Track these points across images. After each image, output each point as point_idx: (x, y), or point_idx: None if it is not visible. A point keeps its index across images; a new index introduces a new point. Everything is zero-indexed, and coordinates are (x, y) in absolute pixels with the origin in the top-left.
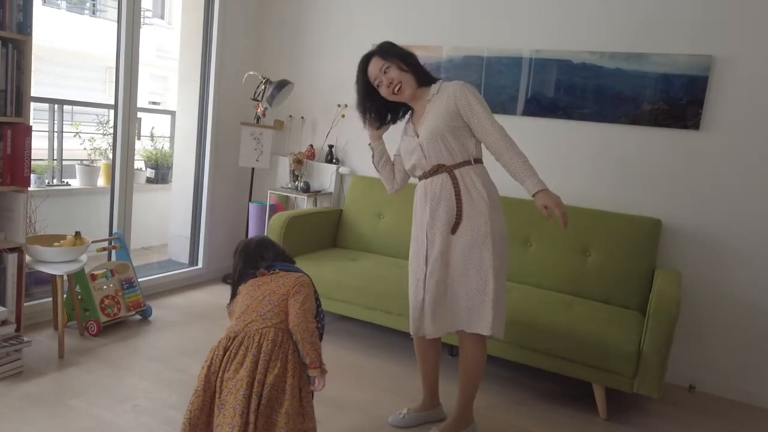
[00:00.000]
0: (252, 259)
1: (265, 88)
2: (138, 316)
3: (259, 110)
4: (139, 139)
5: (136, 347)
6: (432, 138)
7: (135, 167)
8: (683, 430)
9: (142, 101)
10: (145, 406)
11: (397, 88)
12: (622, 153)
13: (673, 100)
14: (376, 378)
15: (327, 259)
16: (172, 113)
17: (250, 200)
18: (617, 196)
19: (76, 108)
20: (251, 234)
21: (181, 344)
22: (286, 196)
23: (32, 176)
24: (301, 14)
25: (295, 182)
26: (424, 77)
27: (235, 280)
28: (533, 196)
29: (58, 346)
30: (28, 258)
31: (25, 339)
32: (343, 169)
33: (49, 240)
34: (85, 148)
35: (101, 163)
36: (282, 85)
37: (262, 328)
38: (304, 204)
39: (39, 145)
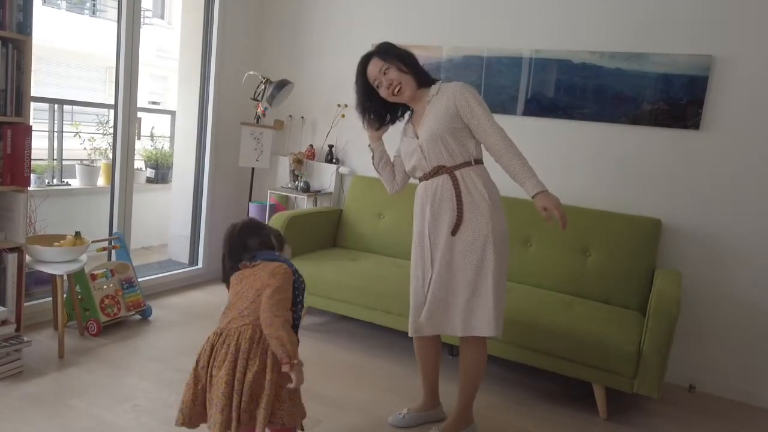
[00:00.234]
0: (235, 251)
1: (265, 88)
2: (138, 316)
3: (259, 110)
4: (139, 139)
5: (136, 347)
6: (432, 139)
7: (135, 167)
8: (683, 430)
9: (142, 101)
10: (145, 406)
11: (396, 89)
12: (622, 153)
13: (673, 100)
14: (376, 378)
15: (327, 259)
16: (172, 113)
17: (250, 200)
18: (617, 196)
19: (76, 108)
20: None
21: (181, 344)
22: (286, 196)
23: (32, 176)
24: (301, 14)
25: (295, 182)
26: (423, 78)
27: (223, 273)
28: (533, 197)
29: (58, 346)
30: (28, 258)
31: (25, 339)
32: (343, 169)
33: (49, 240)
34: (85, 148)
35: (101, 163)
36: (282, 85)
37: (241, 326)
38: (304, 204)
39: (39, 145)
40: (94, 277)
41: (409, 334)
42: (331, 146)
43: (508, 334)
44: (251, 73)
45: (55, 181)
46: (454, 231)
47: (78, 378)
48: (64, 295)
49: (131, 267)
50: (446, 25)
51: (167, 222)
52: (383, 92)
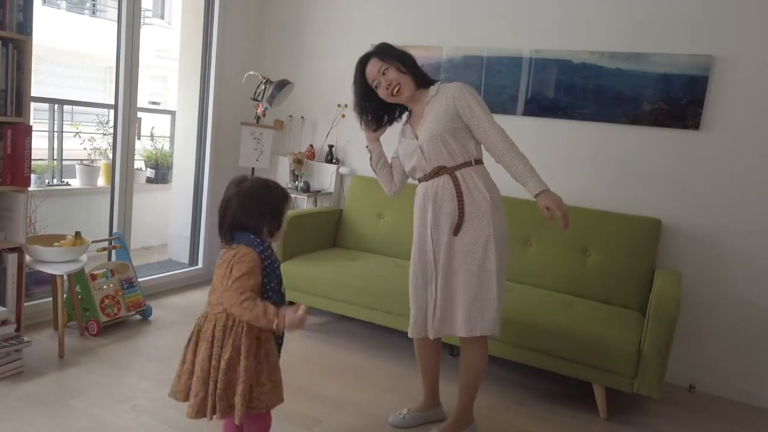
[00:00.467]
0: (220, 228)
1: (265, 88)
2: (138, 316)
3: (259, 110)
4: (139, 139)
5: (136, 347)
6: (432, 140)
7: (135, 167)
8: (683, 430)
9: (142, 101)
10: (145, 406)
11: (396, 89)
12: (622, 153)
13: (673, 100)
14: (376, 378)
15: (327, 259)
16: (172, 113)
17: None
18: (617, 196)
19: (76, 108)
20: None
21: (181, 344)
22: None
23: (32, 176)
24: (301, 14)
25: (295, 182)
26: (422, 79)
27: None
28: (535, 197)
29: (58, 346)
30: (28, 258)
31: (25, 339)
32: (343, 169)
33: (49, 240)
34: (85, 148)
35: (101, 163)
36: (282, 85)
37: (217, 312)
38: (304, 204)
39: (39, 145)
40: (94, 277)
41: (410, 335)
42: (331, 146)
43: (508, 334)
44: (251, 73)
45: (55, 181)
46: (456, 231)
47: (78, 378)
48: (64, 295)
49: (131, 267)
50: (446, 25)
51: (167, 222)
52: (382, 93)
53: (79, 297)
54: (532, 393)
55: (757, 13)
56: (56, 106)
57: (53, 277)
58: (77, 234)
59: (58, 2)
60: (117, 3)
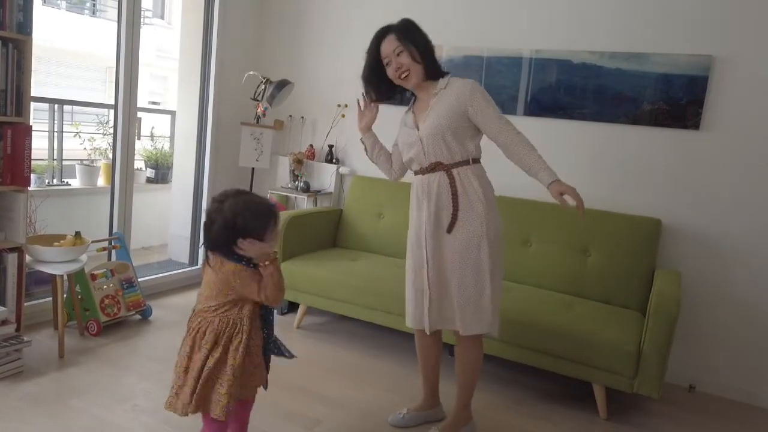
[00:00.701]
0: (215, 243)
1: (265, 87)
2: (138, 316)
3: (259, 110)
4: (139, 139)
5: (136, 347)
6: (433, 135)
7: (135, 167)
8: (683, 430)
9: (142, 101)
10: (145, 406)
11: (404, 75)
12: (622, 153)
13: (673, 100)
14: (376, 378)
15: (327, 259)
16: (172, 113)
17: None
18: (617, 196)
19: (76, 108)
20: None
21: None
22: (286, 196)
23: (32, 176)
24: (301, 14)
25: (295, 182)
26: (433, 70)
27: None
28: (549, 186)
29: (58, 345)
30: (28, 258)
31: (25, 339)
32: (343, 169)
33: (49, 240)
34: (85, 148)
35: (101, 163)
36: (282, 85)
37: (206, 315)
38: (304, 204)
39: (39, 144)
40: (94, 277)
41: (407, 324)
42: (331, 146)
43: (508, 333)
44: (251, 73)
45: (55, 181)
46: (449, 229)
47: (78, 378)
48: (64, 295)
49: (131, 267)
50: (446, 25)
51: (167, 222)
52: (390, 72)
53: (79, 297)
54: (532, 393)
55: (757, 13)
56: (56, 106)
57: (53, 277)
58: (77, 234)
59: (58, 2)
60: (117, 3)
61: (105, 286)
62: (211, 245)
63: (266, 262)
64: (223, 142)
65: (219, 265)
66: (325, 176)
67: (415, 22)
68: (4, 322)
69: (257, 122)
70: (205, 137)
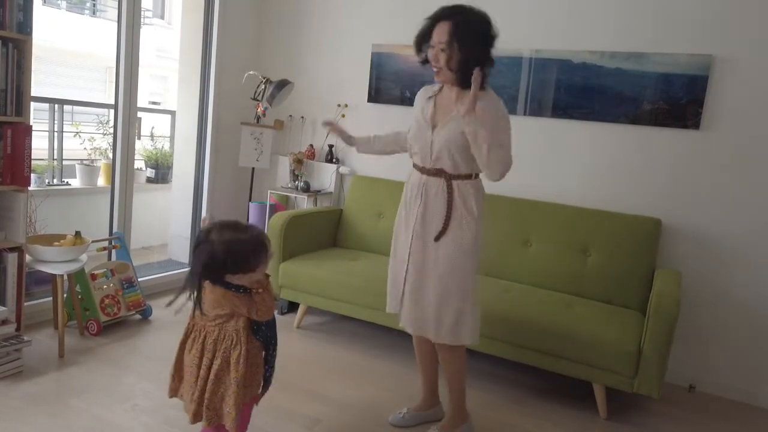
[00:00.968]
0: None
1: (265, 87)
2: (138, 316)
3: (259, 110)
4: (139, 139)
5: (136, 347)
6: (444, 145)
7: (135, 167)
8: (683, 430)
9: (142, 101)
10: (144, 406)
11: (436, 69)
12: (622, 153)
13: (673, 99)
14: (376, 378)
15: (327, 259)
16: (172, 113)
17: (250, 200)
18: (617, 196)
19: (76, 108)
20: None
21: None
22: (286, 195)
23: (32, 176)
24: (300, 14)
25: (295, 182)
26: (464, 81)
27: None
28: (464, 120)
29: (58, 345)
30: (28, 257)
31: (25, 338)
32: (343, 169)
33: (49, 240)
34: (85, 148)
35: (101, 163)
36: (282, 84)
37: (207, 324)
38: (304, 204)
39: (39, 144)
40: (94, 276)
41: (387, 310)
42: (331, 146)
43: (508, 333)
44: (251, 73)
45: (55, 181)
46: (437, 238)
47: (78, 377)
48: (64, 295)
49: (131, 267)
50: None
51: (167, 222)
52: (429, 53)
53: (79, 297)
54: (532, 392)
55: (757, 13)
56: (56, 106)
57: (53, 276)
58: (77, 234)
59: (58, 2)
60: (117, 3)
61: (105, 286)
62: (202, 278)
63: (259, 290)
64: (223, 142)
65: (210, 287)
66: (325, 176)
67: (480, 22)
68: (4, 322)
69: (257, 122)
70: (205, 137)
